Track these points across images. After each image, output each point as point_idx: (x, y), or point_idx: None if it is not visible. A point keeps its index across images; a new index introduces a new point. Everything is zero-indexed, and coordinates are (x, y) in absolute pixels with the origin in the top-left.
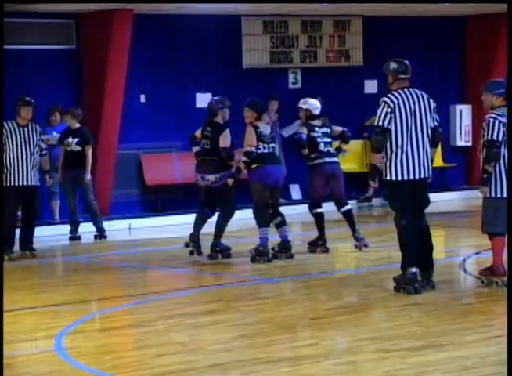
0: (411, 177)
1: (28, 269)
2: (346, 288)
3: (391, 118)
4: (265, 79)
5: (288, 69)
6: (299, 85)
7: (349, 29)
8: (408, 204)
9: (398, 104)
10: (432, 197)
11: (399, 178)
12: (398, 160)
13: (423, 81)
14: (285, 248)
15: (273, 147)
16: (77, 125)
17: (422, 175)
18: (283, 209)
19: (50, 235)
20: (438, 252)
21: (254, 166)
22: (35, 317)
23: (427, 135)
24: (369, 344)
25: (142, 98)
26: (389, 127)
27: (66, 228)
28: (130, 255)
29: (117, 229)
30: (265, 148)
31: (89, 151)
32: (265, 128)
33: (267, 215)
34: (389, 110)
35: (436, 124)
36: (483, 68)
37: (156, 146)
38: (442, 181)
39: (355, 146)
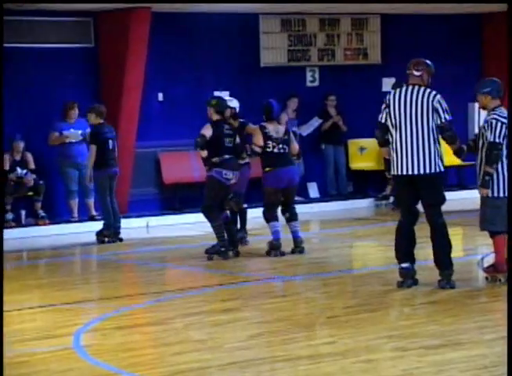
0: (400, 172)
1: (46, 267)
2: (364, 286)
3: (386, 114)
4: (283, 77)
5: (306, 67)
6: (317, 83)
7: (367, 27)
8: (404, 199)
9: (393, 100)
10: (449, 195)
11: (394, 172)
12: (394, 154)
13: (440, 79)
14: (296, 243)
15: (284, 148)
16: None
17: (415, 172)
18: (300, 207)
19: (68, 233)
20: (456, 251)
21: (267, 169)
22: (54, 315)
23: (424, 132)
24: (387, 342)
25: (160, 96)
26: (386, 122)
27: (85, 226)
28: (148, 253)
29: (135, 227)
30: (274, 148)
31: (92, 149)
32: (274, 130)
33: (274, 212)
34: (384, 106)
35: (439, 122)
36: (502, 66)
37: (174, 145)
38: (460, 179)
39: (372, 144)
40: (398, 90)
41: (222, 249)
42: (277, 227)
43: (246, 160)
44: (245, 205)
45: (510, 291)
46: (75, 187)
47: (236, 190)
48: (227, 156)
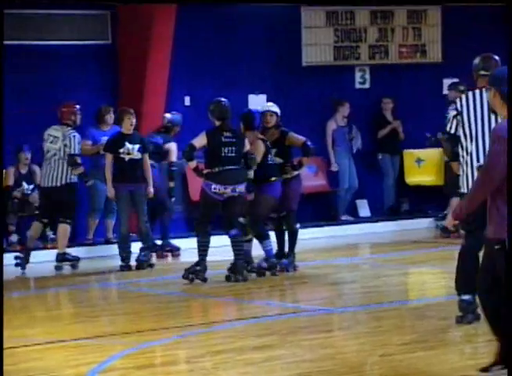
0: None
1: (56, 297)
2: (421, 320)
3: (458, 122)
4: (328, 78)
5: (355, 66)
6: (367, 85)
7: (426, 20)
8: (473, 223)
9: (467, 106)
10: None
11: (465, 190)
12: (468, 170)
13: None
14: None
15: (273, 160)
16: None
17: None
18: (348, 228)
19: (82, 257)
20: None
21: (272, 179)
22: (64, 352)
23: None
24: None
25: (187, 100)
26: (457, 132)
27: (100, 249)
28: (172, 281)
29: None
30: (273, 160)
31: (148, 160)
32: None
33: (265, 227)
34: (455, 113)
35: None
36: None
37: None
38: None
39: (431, 155)
40: (470, 94)
41: (198, 268)
42: (271, 246)
43: (294, 173)
44: (297, 225)
45: (509, 294)
46: (101, 205)
47: (286, 207)
48: (226, 167)
